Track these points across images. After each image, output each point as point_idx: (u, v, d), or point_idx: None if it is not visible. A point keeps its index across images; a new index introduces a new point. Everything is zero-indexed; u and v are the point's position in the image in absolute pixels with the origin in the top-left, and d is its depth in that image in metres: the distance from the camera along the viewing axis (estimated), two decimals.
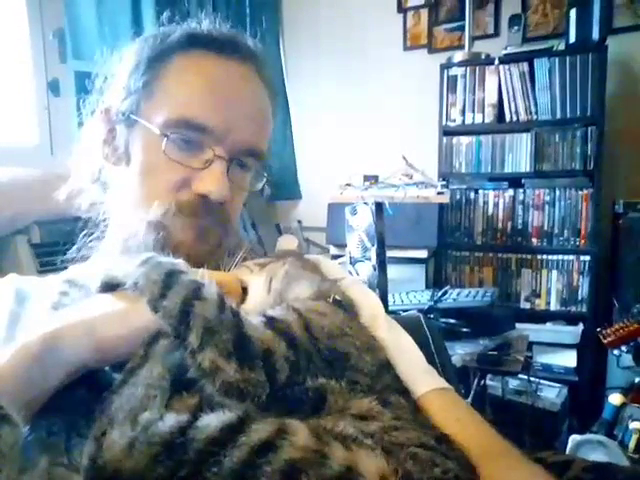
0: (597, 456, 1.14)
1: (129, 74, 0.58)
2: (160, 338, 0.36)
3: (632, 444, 1.20)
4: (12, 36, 1.71)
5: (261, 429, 0.30)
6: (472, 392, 1.62)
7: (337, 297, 0.47)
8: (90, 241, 0.63)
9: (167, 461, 0.29)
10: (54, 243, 1.54)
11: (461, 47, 2.46)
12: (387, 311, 0.64)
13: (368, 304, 0.59)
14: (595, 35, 2.07)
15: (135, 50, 0.59)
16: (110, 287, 0.42)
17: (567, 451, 1.20)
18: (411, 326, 0.74)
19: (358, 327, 0.48)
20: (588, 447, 1.19)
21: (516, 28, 2.37)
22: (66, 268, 0.63)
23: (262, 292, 0.47)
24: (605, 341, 1.43)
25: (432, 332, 0.95)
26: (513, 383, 1.96)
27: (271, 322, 0.39)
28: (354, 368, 0.41)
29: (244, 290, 0.48)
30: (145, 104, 0.56)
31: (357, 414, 0.37)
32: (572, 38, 2.13)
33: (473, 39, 2.40)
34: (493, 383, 1.90)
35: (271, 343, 0.37)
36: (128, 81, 0.58)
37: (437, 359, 0.88)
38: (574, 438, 1.24)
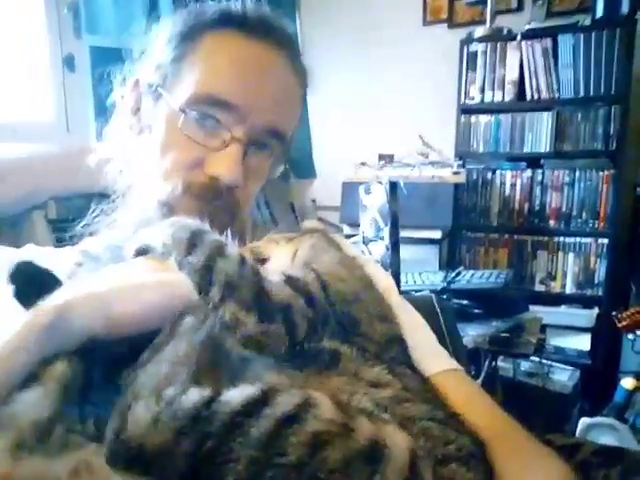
0: (607, 439, 1.14)
1: (161, 48, 0.58)
2: (186, 316, 0.37)
3: None
4: (27, 10, 1.70)
5: (285, 401, 0.30)
6: (483, 373, 1.63)
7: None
8: (98, 215, 0.63)
9: (192, 434, 0.29)
10: (71, 219, 1.56)
11: (482, 22, 2.39)
12: (399, 291, 0.64)
13: (380, 283, 0.58)
14: (624, 8, 1.99)
15: (170, 25, 0.59)
16: (143, 253, 0.44)
17: (577, 434, 1.20)
18: (423, 307, 0.74)
19: (375, 296, 0.48)
20: (598, 430, 1.19)
21: (540, 2, 2.28)
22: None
23: (286, 261, 0.47)
24: (620, 325, 1.41)
25: (444, 313, 0.94)
26: (525, 365, 1.96)
27: (290, 280, 0.40)
28: (364, 335, 0.42)
29: (264, 261, 0.49)
30: (172, 79, 0.56)
31: (368, 381, 0.37)
32: (599, 12, 2.05)
33: (495, 13, 2.33)
34: (504, 365, 1.90)
35: (290, 299, 0.38)
36: (159, 55, 0.58)
37: (448, 340, 0.88)
38: (584, 421, 1.24)
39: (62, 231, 1.52)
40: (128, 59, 0.62)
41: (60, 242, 1.48)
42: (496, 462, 0.40)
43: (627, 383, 1.34)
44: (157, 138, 0.57)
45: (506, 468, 0.40)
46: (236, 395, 0.30)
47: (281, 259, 0.48)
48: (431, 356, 0.55)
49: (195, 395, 0.31)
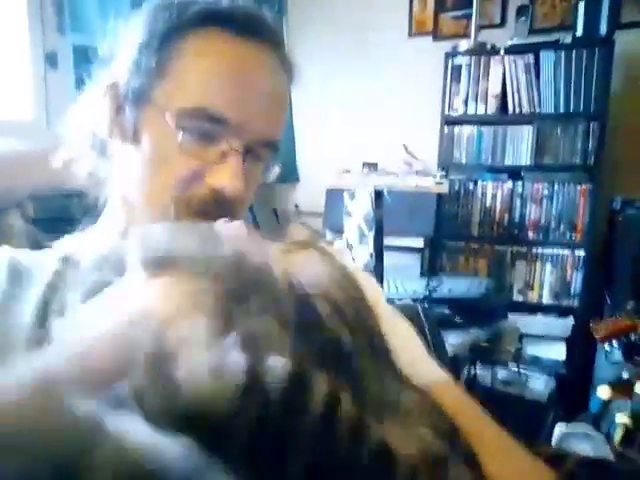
0: (582, 448, 1.17)
1: (140, 48, 0.53)
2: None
3: (617, 437, 1.23)
4: (8, 2, 1.66)
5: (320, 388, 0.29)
6: (462, 381, 1.65)
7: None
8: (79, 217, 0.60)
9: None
10: (48, 219, 1.53)
11: (466, 36, 2.44)
12: None
13: (369, 292, 0.58)
14: (603, 29, 2.06)
15: (147, 20, 0.54)
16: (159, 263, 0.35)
17: (553, 441, 1.23)
18: (409, 315, 0.74)
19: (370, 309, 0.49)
20: (574, 438, 1.21)
21: (523, 19, 2.34)
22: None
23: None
24: (597, 336, 1.45)
25: (429, 322, 0.96)
26: (502, 373, 1.99)
27: (339, 312, 0.39)
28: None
29: None
30: (157, 85, 0.52)
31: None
32: (579, 31, 2.12)
33: (479, 28, 2.38)
34: (483, 372, 1.93)
35: (327, 311, 0.37)
36: (139, 56, 0.53)
37: (433, 349, 0.89)
38: (560, 428, 1.26)
39: (40, 231, 1.48)
40: (101, 59, 0.57)
41: (38, 242, 1.44)
42: (487, 472, 0.41)
43: (603, 392, 1.37)
44: (147, 149, 0.53)
45: (498, 478, 0.41)
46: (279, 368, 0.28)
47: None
48: (422, 366, 0.55)
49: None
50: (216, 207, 0.52)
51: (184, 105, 0.50)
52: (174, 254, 0.36)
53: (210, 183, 0.52)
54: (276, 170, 0.61)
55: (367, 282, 0.60)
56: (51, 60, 1.78)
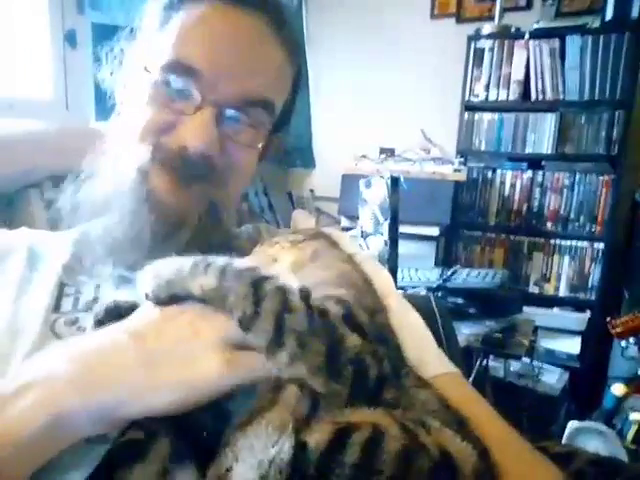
0: (595, 444, 1.15)
1: (148, 24, 0.57)
2: (288, 385, 0.36)
3: (631, 435, 1.21)
4: None
5: (360, 432, 0.32)
6: (474, 373, 1.63)
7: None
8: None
9: None
10: None
11: (490, 18, 2.37)
12: (396, 287, 0.64)
13: (379, 282, 0.57)
14: (634, 13, 1.98)
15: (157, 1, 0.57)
16: (170, 300, 0.39)
17: (565, 437, 1.21)
18: (421, 306, 0.73)
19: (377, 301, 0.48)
20: (586, 434, 1.20)
21: (550, 1, 2.26)
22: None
23: (289, 275, 0.45)
24: (614, 331, 1.42)
25: (441, 313, 0.94)
26: (515, 366, 1.97)
27: (348, 317, 0.39)
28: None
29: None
30: (153, 51, 0.55)
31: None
32: (609, 15, 2.03)
33: (504, 10, 2.30)
34: (495, 364, 1.91)
35: (361, 350, 0.37)
36: (147, 31, 0.57)
37: (444, 341, 0.88)
38: (573, 424, 1.25)
39: (58, 211, 1.50)
40: (121, 37, 0.60)
41: (54, 222, 1.46)
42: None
43: (617, 389, 1.35)
44: (133, 104, 0.56)
45: (504, 476, 0.40)
46: (318, 438, 0.32)
47: (284, 273, 0.47)
48: (430, 358, 0.54)
49: (288, 449, 0.32)
50: (183, 163, 0.52)
51: (163, 60, 0.53)
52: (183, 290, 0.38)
53: (176, 136, 0.52)
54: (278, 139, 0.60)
55: (376, 272, 0.60)
56: (70, 39, 1.78)
